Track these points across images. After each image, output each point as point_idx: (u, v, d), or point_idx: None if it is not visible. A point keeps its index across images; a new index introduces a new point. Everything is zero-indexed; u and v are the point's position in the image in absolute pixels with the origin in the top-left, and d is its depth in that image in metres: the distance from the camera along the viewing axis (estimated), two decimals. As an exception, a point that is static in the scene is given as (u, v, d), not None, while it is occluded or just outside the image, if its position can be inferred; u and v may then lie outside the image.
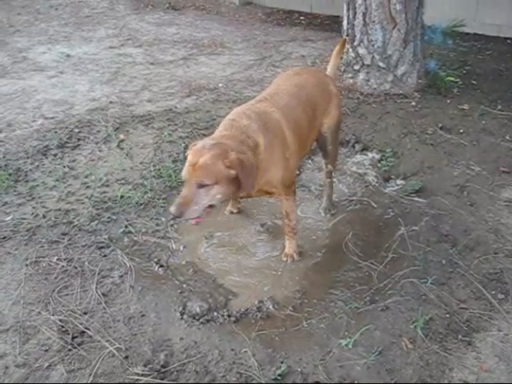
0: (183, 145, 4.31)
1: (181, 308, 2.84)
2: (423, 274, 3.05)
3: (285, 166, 2.90)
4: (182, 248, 3.32)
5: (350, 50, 5.48)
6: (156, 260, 3.19)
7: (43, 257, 3.19)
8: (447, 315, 2.79)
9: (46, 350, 2.60)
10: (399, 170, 4.08)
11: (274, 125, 2.86)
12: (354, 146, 4.38)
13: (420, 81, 5.42)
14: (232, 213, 3.60)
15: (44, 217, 3.54)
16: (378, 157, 4.27)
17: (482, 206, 3.64)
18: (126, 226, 3.46)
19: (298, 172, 3.89)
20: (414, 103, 5.10)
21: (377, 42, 5.28)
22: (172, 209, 2.52)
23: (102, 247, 3.28)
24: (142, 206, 3.65)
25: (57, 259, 3.17)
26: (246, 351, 2.60)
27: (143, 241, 3.35)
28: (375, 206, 3.67)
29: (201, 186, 2.52)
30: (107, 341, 2.65)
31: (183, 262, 3.20)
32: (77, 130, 4.61)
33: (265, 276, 3.11)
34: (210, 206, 2.61)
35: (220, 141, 2.65)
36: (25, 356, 2.58)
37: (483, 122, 4.76)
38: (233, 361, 2.56)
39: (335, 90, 3.44)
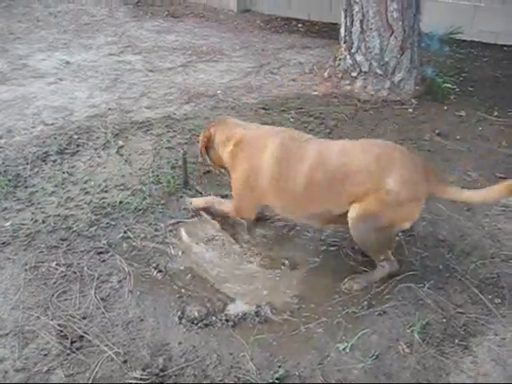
0: (182, 151, 4.32)
1: (179, 313, 2.86)
2: (420, 278, 3.06)
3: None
4: (180, 253, 3.33)
5: (348, 56, 5.53)
6: (155, 265, 3.20)
7: (42, 262, 3.21)
8: (444, 320, 2.81)
9: (45, 355, 2.61)
10: (396, 176, 4.09)
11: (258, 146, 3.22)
12: (351, 152, 4.40)
13: (417, 87, 5.47)
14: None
15: (43, 222, 3.55)
16: (375, 163, 4.29)
17: (479, 212, 3.66)
18: (125, 232, 3.47)
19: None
20: (411, 110, 5.14)
21: (374, 48, 5.33)
22: None
23: (101, 252, 3.30)
24: (141, 212, 3.67)
25: (56, 264, 3.18)
26: (244, 355, 2.61)
27: (142, 246, 3.37)
28: (373, 211, 3.68)
29: None
30: (106, 345, 2.66)
31: (182, 267, 3.22)
32: (76, 137, 4.64)
33: (263, 281, 3.12)
34: None
35: None
36: (24, 360, 2.59)
37: (480, 128, 4.80)
38: (231, 365, 2.57)
39: (396, 188, 2.82)
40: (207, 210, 3.62)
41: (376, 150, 2.96)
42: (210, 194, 3.76)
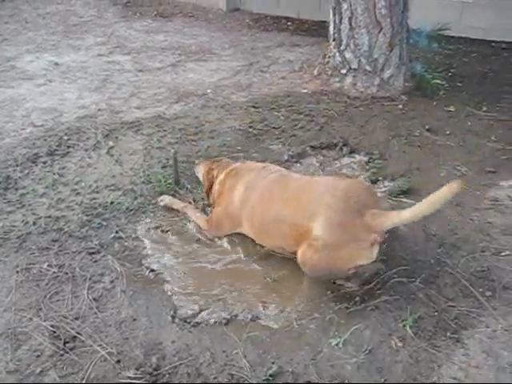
0: (172, 150, 4.32)
1: (172, 311, 2.86)
2: (411, 273, 3.08)
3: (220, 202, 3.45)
4: (172, 252, 3.33)
5: (337, 54, 5.55)
6: (147, 265, 3.21)
7: (34, 263, 3.20)
8: (436, 313, 2.83)
9: (38, 356, 2.61)
10: (387, 172, 4.12)
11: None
12: (341, 149, 4.42)
13: (406, 84, 5.48)
14: None
15: (34, 224, 3.54)
16: (365, 159, 4.32)
17: (469, 206, 3.69)
18: (117, 232, 3.47)
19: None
20: (400, 106, 5.15)
21: (363, 46, 5.35)
22: None
23: (93, 253, 3.29)
24: (132, 212, 3.66)
25: (47, 265, 3.18)
26: (237, 353, 2.62)
27: (134, 246, 3.37)
28: (364, 207, 3.69)
29: None
30: (99, 345, 2.66)
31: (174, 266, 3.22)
32: (66, 138, 4.62)
33: (256, 278, 3.13)
34: None
35: None
36: (17, 362, 2.58)
37: (469, 123, 4.83)
38: (224, 362, 2.58)
39: (323, 234, 2.81)
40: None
41: (310, 195, 3.00)
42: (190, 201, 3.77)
